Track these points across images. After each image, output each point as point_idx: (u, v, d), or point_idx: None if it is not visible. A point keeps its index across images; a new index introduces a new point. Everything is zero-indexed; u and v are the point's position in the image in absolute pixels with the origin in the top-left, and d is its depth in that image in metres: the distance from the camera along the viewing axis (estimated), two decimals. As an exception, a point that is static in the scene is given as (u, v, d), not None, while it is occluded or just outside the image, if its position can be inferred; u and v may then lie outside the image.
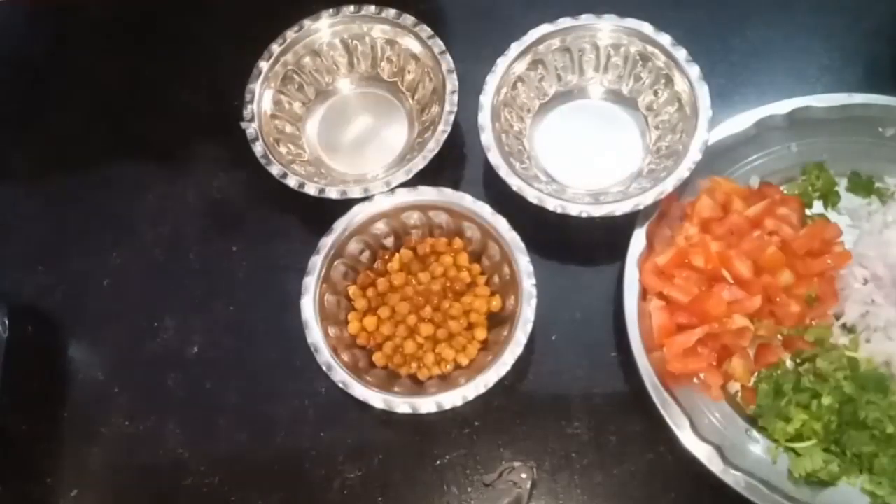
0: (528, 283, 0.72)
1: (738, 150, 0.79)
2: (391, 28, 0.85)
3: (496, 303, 0.75)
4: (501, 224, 0.74)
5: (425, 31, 0.83)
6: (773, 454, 0.69)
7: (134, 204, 0.88)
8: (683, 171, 0.74)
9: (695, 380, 0.71)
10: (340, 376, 0.71)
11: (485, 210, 0.75)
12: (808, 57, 0.87)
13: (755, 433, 0.70)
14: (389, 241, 0.79)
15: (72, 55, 0.94)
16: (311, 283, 0.74)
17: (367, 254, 0.78)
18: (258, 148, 0.80)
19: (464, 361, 0.73)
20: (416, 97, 0.86)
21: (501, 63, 0.81)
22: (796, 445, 0.68)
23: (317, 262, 0.75)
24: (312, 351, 0.71)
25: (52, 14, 0.98)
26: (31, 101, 0.94)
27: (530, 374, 0.76)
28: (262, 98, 0.83)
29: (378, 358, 0.74)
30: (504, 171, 0.76)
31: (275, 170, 0.79)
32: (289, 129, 0.86)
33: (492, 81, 0.80)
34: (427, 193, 0.77)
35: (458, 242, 0.77)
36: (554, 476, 0.73)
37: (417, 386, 0.74)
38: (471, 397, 0.69)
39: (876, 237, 0.74)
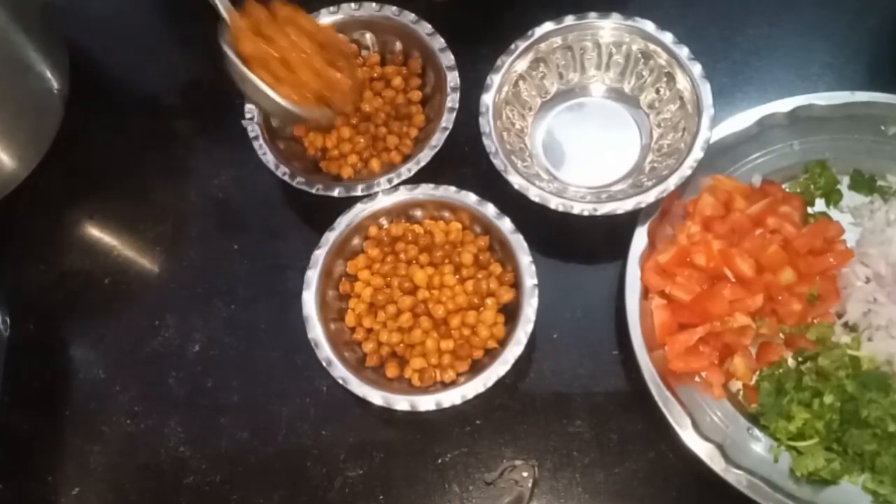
0: (530, 282, 0.72)
1: (739, 149, 0.79)
2: (392, 25, 0.85)
3: (508, 295, 0.74)
4: (506, 225, 0.74)
5: (426, 27, 0.83)
6: (774, 453, 0.68)
7: (135, 202, 0.88)
8: (685, 169, 0.74)
9: (696, 378, 0.71)
10: (340, 372, 0.71)
11: (489, 209, 0.75)
12: (810, 55, 0.87)
13: (757, 432, 0.70)
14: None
15: (73, 54, 0.93)
16: (313, 277, 0.74)
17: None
18: (259, 146, 0.80)
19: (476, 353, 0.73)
20: (416, 94, 0.86)
21: (503, 61, 0.81)
22: (798, 444, 0.68)
23: (319, 256, 0.75)
24: (312, 346, 0.72)
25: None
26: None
27: (532, 372, 0.76)
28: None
29: (371, 349, 0.74)
30: (506, 170, 0.76)
31: (276, 169, 0.79)
32: (290, 127, 0.85)
33: (494, 80, 0.80)
34: (428, 191, 0.77)
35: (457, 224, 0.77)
36: (555, 474, 0.72)
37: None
38: (470, 396, 0.69)
39: (878, 235, 0.74)
